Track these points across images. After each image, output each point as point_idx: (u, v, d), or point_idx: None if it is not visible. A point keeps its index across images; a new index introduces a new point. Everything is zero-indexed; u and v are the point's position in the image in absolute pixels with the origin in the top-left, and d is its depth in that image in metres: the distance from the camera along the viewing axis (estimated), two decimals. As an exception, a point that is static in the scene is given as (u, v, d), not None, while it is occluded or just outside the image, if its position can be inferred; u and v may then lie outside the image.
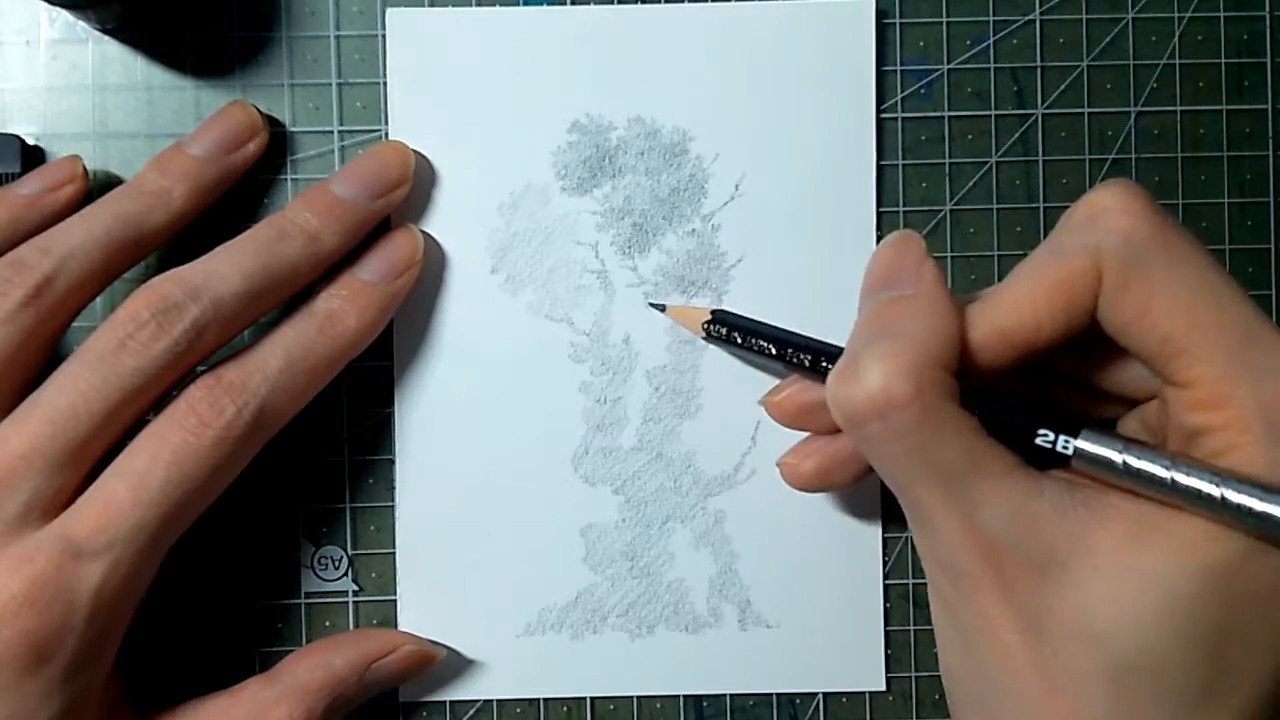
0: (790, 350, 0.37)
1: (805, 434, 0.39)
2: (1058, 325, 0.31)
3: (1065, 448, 0.32)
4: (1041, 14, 0.41)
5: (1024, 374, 0.33)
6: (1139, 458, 0.30)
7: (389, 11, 0.40)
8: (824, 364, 0.36)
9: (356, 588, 0.41)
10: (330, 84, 0.40)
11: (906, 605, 0.41)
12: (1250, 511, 0.29)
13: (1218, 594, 0.29)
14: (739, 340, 0.39)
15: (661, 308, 0.41)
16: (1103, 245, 0.31)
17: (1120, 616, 0.29)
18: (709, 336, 0.40)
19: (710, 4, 0.40)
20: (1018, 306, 0.32)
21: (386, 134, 0.40)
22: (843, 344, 0.34)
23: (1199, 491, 0.29)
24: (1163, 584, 0.29)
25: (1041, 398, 0.35)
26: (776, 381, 0.39)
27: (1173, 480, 0.30)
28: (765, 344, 0.38)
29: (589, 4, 0.40)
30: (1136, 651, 0.29)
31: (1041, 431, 0.32)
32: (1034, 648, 0.30)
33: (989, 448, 0.31)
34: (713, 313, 0.39)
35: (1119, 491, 0.31)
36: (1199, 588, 0.29)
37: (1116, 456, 0.31)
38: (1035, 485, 0.31)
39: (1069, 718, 0.30)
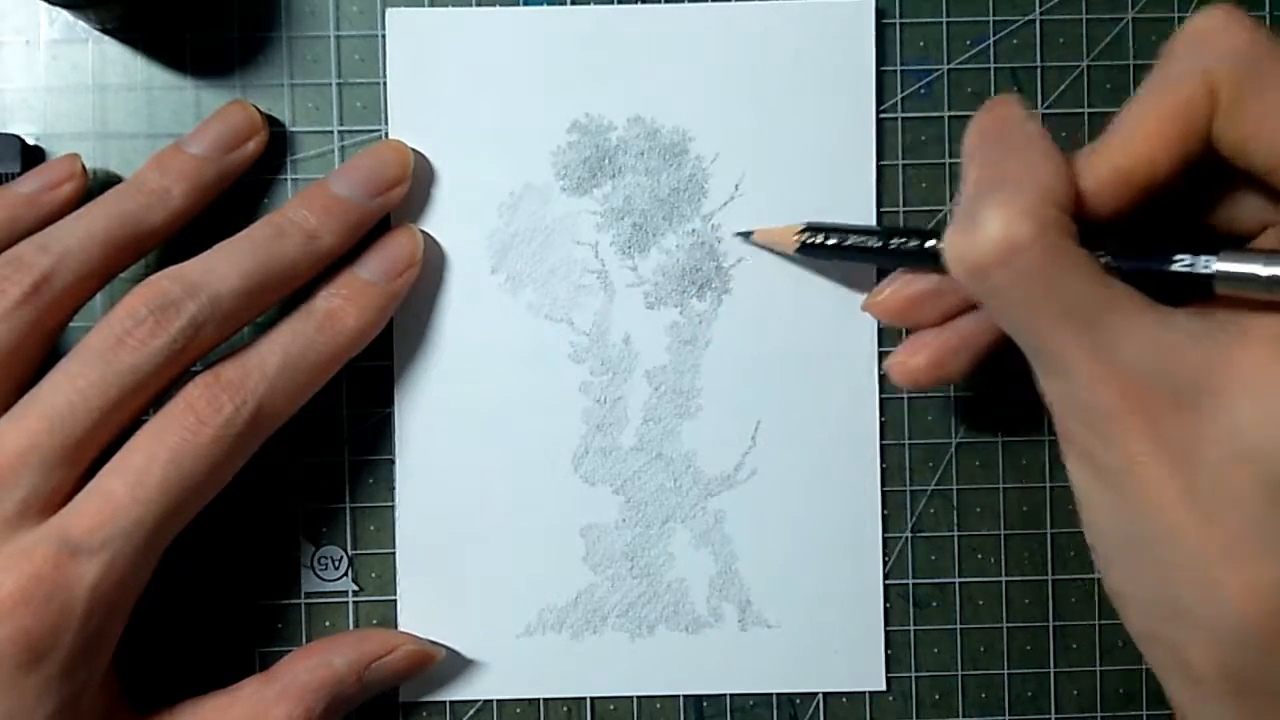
0: (894, 239, 0.37)
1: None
2: (1175, 156, 0.31)
3: (1206, 268, 0.31)
4: (1041, 14, 0.41)
5: (1134, 223, 0.33)
6: None
7: (389, 11, 0.40)
8: (929, 244, 0.35)
9: (356, 588, 0.41)
10: (330, 84, 0.40)
11: (906, 605, 0.41)
12: None
13: None
14: (838, 243, 0.38)
15: (747, 234, 0.40)
16: (1212, 65, 0.31)
17: (1275, 432, 0.29)
18: (804, 248, 0.39)
19: (710, 4, 0.40)
20: (1133, 143, 0.31)
21: (386, 134, 0.40)
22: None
23: None
24: None
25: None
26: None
27: None
28: (866, 239, 0.37)
29: (589, 4, 0.40)
30: None
31: (1178, 256, 0.31)
32: (1185, 480, 0.30)
33: (1116, 284, 0.31)
34: (806, 225, 0.39)
35: (1254, 312, 0.31)
36: None
37: (1261, 269, 0.30)
38: (1169, 317, 0.31)
39: (1229, 545, 0.30)
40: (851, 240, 0.38)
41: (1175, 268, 0.32)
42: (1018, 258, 0.30)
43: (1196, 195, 0.34)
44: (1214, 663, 0.31)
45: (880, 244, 0.37)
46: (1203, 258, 0.31)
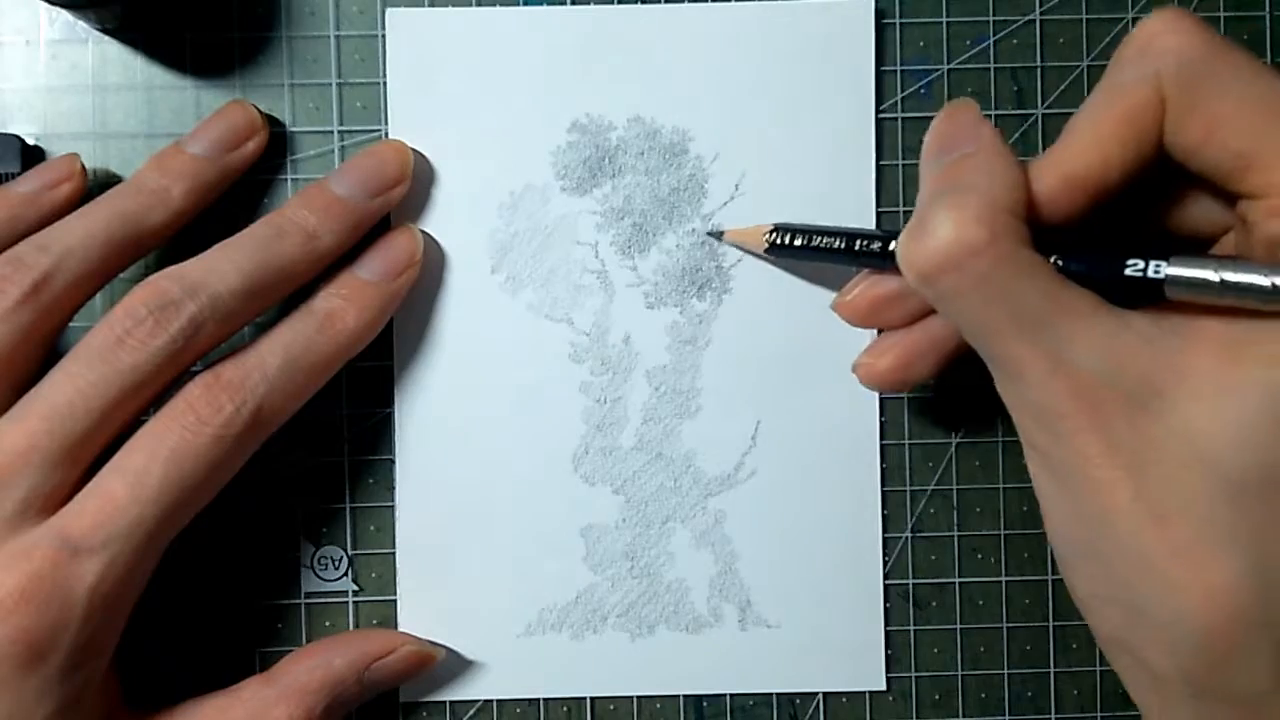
0: (859, 240, 0.37)
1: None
2: (1127, 161, 0.31)
3: (1157, 273, 0.31)
4: (1041, 14, 0.41)
5: (1089, 228, 0.33)
6: (1236, 271, 0.30)
7: (389, 11, 0.40)
8: (892, 247, 0.35)
9: (356, 588, 0.41)
10: (330, 84, 0.40)
11: (906, 605, 0.41)
12: None
13: None
14: (805, 244, 0.38)
15: (719, 235, 0.40)
16: (1161, 70, 0.31)
17: (1225, 434, 0.29)
18: (772, 248, 0.39)
19: (710, 4, 0.40)
20: (1084, 149, 0.32)
21: (386, 134, 0.40)
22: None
23: None
24: (1264, 393, 0.29)
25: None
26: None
27: (1274, 285, 0.29)
28: (832, 240, 0.37)
29: (589, 4, 0.40)
30: (1247, 466, 0.29)
31: (1131, 261, 0.31)
32: (1139, 482, 0.30)
33: (1069, 288, 0.31)
34: (774, 225, 0.39)
35: (1206, 316, 0.31)
36: None
37: (1212, 274, 0.30)
38: (1121, 320, 0.31)
39: (1182, 548, 0.30)
40: (818, 241, 0.38)
41: (1128, 272, 0.32)
42: (969, 262, 0.30)
43: (1154, 198, 0.34)
44: (1174, 665, 0.31)
45: (845, 245, 0.37)
46: (1154, 262, 0.31)
